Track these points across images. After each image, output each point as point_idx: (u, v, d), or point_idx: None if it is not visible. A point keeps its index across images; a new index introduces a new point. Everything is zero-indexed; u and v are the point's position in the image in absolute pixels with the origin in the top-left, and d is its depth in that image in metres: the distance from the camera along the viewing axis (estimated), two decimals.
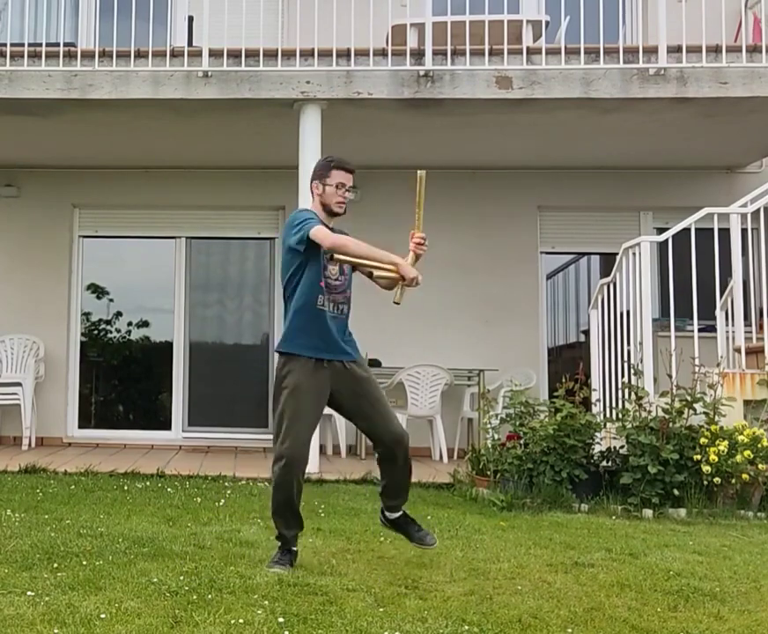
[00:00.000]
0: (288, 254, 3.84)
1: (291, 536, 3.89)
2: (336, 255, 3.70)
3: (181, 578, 3.55)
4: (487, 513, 5.39)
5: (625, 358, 6.50)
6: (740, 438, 5.54)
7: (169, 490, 6.06)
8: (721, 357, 6.21)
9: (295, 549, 3.89)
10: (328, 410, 4.02)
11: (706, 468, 5.42)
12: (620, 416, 6.02)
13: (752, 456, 5.49)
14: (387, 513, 4.03)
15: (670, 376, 5.90)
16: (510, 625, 3.05)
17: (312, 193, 3.95)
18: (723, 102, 7.03)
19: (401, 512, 4.02)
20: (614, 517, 5.37)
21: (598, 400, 6.78)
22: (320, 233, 3.70)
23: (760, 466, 5.51)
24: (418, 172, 3.71)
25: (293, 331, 3.83)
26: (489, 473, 6.07)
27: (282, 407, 3.80)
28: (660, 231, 7.54)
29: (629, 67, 6.95)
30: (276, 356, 3.89)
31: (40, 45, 7.16)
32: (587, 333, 7.87)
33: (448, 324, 8.98)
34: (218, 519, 4.96)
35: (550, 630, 3.03)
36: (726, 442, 5.47)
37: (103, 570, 3.66)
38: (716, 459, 5.40)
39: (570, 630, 3.02)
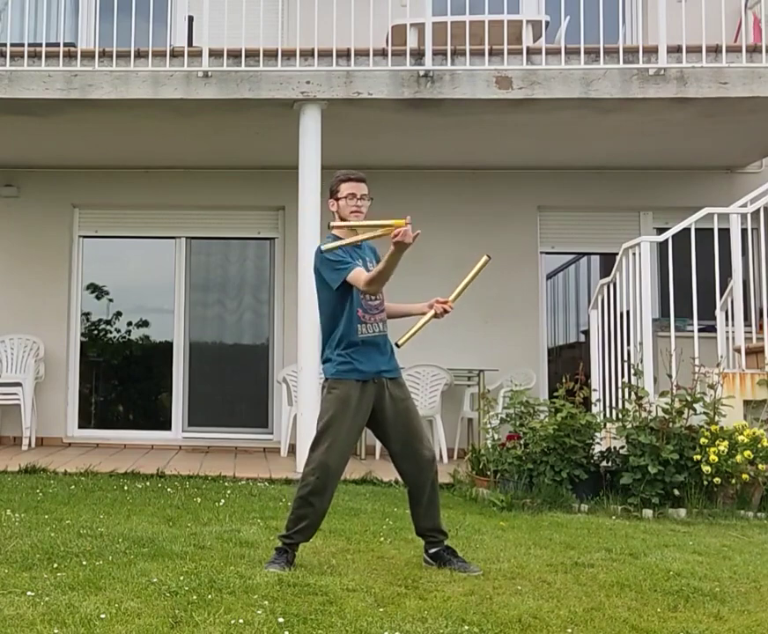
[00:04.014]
0: (324, 289, 3.92)
1: (298, 543, 3.89)
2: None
3: (181, 578, 3.55)
4: (487, 513, 5.39)
5: (625, 358, 6.50)
6: (740, 438, 5.54)
7: (169, 490, 6.06)
8: (721, 357, 6.21)
9: (294, 551, 3.89)
10: None
11: (706, 468, 5.42)
12: (620, 416, 6.02)
13: (752, 456, 5.50)
14: (429, 549, 3.98)
15: (670, 376, 5.90)
16: (510, 625, 3.05)
17: (332, 214, 4.02)
18: (723, 102, 7.03)
19: (441, 545, 3.97)
20: (614, 517, 5.37)
21: (598, 400, 6.78)
22: (356, 277, 3.80)
23: (760, 466, 5.51)
24: (485, 256, 3.96)
25: (340, 359, 3.88)
26: (489, 473, 6.07)
27: (325, 415, 3.84)
28: (660, 231, 7.54)
29: (629, 67, 6.95)
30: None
31: (40, 45, 7.16)
32: (587, 333, 7.87)
33: (448, 324, 8.95)
34: (218, 519, 4.96)
35: (550, 630, 3.03)
36: (726, 442, 5.48)
37: (103, 570, 3.66)
38: (716, 459, 5.40)
39: (570, 630, 3.02)
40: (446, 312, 3.96)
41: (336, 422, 3.82)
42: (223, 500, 5.62)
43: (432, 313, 3.97)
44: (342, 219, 3.94)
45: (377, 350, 3.91)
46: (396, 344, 3.95)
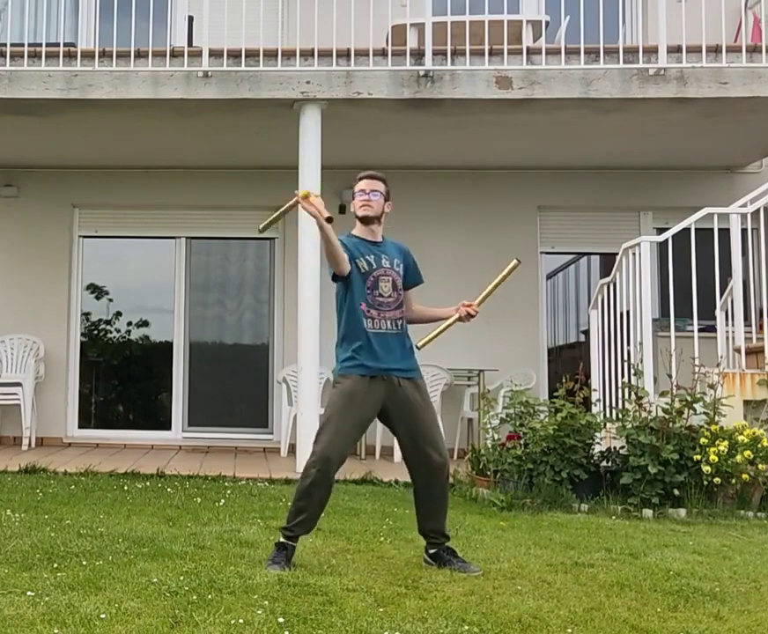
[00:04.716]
0: (334, 284, 4.01)
1: (298, 536, 3.88)
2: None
3: (181, 578, 3.54)
4: (487, 513, 5.39)
5: (625, 358, 6.50)
6: (740, 438, 5.54)
7: (169, 490, 6.06)
8: (721, 357, 6.21)
9: (294, 545, 3.87)
10: None
11: (706, 468, 5.42)
12: (620, 416, 6.02)
13: (752, 456, 5.50)
14: (429, 549, 3.99)
15: (670, 376, 5.90)
16: (510, 625, 3.05)
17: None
18: (723, 102, 7.03)
19: (441, 546, 3.96)
20: (614, 517, 5.37)
21: (598, 400, 6.78)
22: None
23: (760, 466, 5.51)
24: (515, 260, 4.03)
25: (345, 356, 3.91)
26: (489, 473, 6.07)
27: (329, 408, 3.86)
28: (660, 231, 7.54)
29: (629, 67, 6.95)
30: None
31: (40, 45, 7.16)
32: (587, 333, 7.87)
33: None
34: (218, 519, 4.96)
35: (550, 630, 3.03)
36: (726, 442, 5.47)
37: (103, 570, 3.66)
38: (716, 459, 5.40)
39: (570, 630, 3.02)
40: (470, 315, 3.99)
41: (340, 415, 3.82)
42: (223, 500, 5.62)
43: (456, 316, 4.03)
44: (356, 216, 4.05)
45: (386, 347, 3.89)
46: (417, 346, 3.97)
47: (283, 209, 3.85)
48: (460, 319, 4.03)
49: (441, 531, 3.97)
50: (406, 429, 3.91)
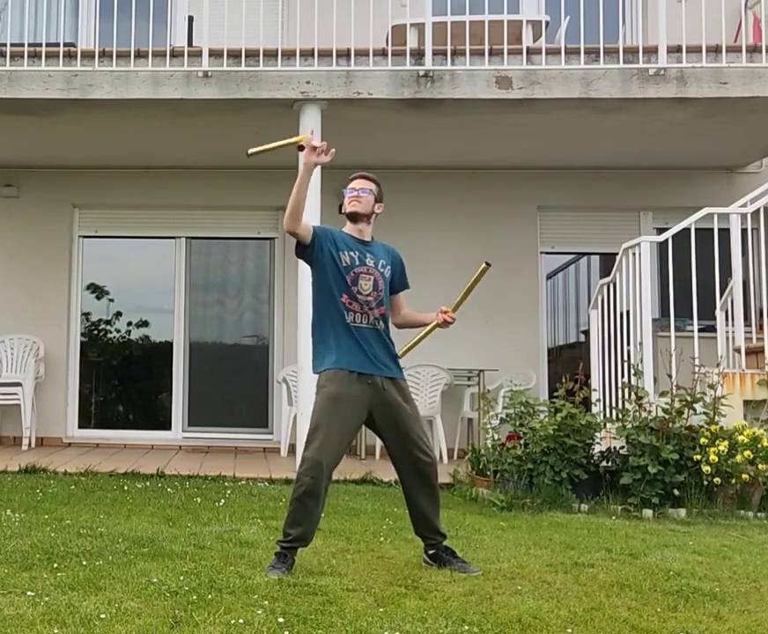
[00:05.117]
0: (297, 257, 4.08)
1: (297, 548, 3.84)
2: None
3: (181, 578, 3.55)
4: (487, 513, 5.39)
5: (625, 358, 6.50)
6: (740, 438, 5.55)
7: (169, 490, 6.06)
8: (721, 357, 6.22)
9: (293, 555, 3.82)
10: None
11: (706, 468, 5.42)
12: (620, 416, 6.02)
13: (752, 456, 5.50)
14: (428, 550, 3.99)
15: (670, 376, 5.90)
16: (510, 625, 3.05)
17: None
18: (723, 102, 7.03)
19: (439, 546, 3.95)
20: (614, 517, 5.37)
21: (598, 400, 6.78)
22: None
23: (760, 466, 5.51)
24: (485, 263, 3.99)
25: (324, 351, 3.90)
26: (489, 473, 6.07)
27: (316, 414, 3.84)
28: (660, 231, 7.55)
29: (629, 67, 6.95)
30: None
31: (40, 45, 7.17)
32: (587, 333, 7.87)
33: None
34: (218, 519, 4.96)
35: (550, 630, 3.03)
36: (726, 442, 5.48)
37: (103, 570, 3.66)
38: (716, 459, 5.41)
39: (570, 630, 3.02)
40: (446, 322, 3.98)
41: (327, 420, 3.79)
42: (223, 500, 5.62)
43: (435, 322, 4.01)
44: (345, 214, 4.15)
45: (366, 343, 3.88)
46: (397, 355, 3.97)
47: (283, 143, 3.94)
48: (438, 325, 4.02)
49: (436, 530, 3.97)
50: (392, 431, 3.90)
